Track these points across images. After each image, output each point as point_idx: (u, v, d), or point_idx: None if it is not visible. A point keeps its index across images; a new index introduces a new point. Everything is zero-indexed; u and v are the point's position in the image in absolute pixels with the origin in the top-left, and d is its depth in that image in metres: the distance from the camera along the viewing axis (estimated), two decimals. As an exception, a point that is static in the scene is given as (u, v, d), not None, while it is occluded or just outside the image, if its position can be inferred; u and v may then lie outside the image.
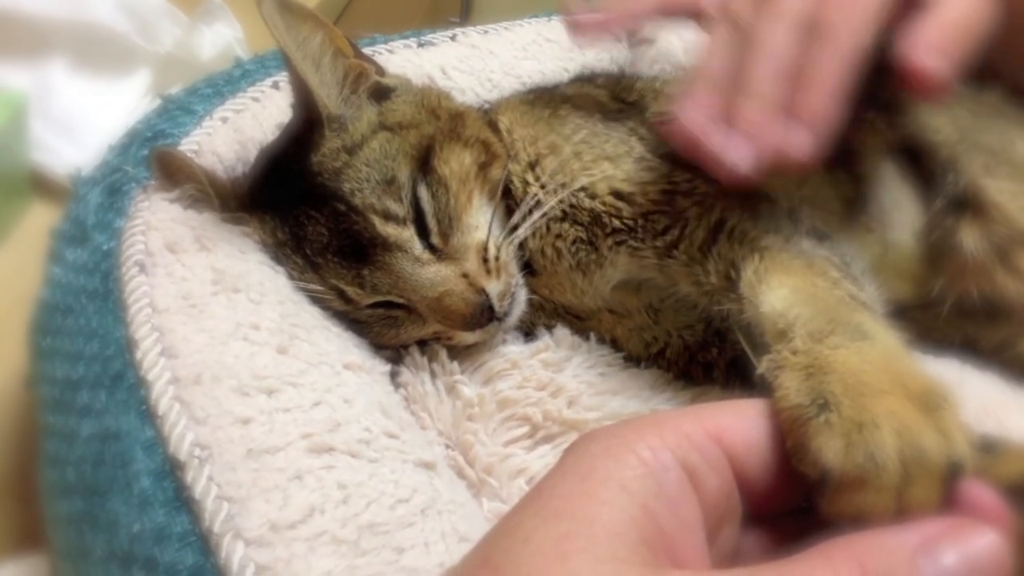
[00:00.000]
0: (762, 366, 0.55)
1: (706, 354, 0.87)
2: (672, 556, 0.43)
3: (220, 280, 0.73)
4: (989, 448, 0.65)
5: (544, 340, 0.84)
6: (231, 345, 0.69)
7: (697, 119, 0.71)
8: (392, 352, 0.84)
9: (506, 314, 0.82)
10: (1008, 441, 0.66)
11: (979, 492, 0.46)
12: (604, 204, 0.81)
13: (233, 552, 0.57)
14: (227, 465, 0.61)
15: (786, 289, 0.66)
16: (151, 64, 1.37)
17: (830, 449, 0.46)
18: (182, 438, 0.62)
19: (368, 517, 0.61)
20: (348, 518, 0.61)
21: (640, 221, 0.80)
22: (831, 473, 0.45)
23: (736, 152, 0.69)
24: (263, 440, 0.63)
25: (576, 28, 0.90)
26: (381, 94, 0.87)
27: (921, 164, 0.97)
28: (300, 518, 0.59)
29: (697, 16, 0.89)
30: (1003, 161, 0.93)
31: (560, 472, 0.45)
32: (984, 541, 0.42)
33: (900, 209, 0.97)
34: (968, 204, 0.92)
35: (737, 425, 0.47)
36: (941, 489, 0.45)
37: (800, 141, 0.69)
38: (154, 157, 0.81)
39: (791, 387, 0.50)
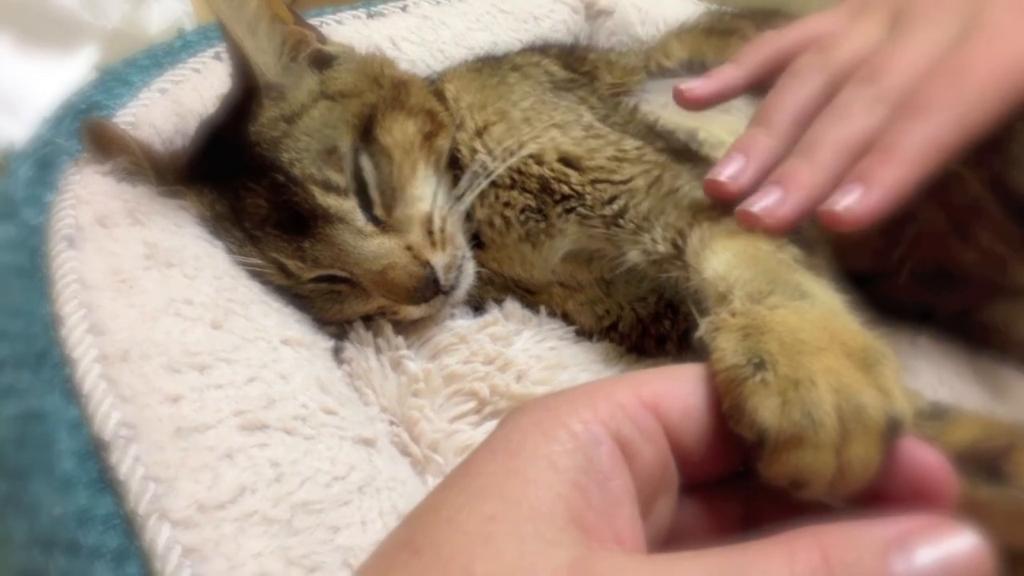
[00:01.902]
0: (700, 329, 0.54)
1: (659, 327, 0.85)
2: (603, 532, 0.41)
3: (153, 255, 0.71)
4: (940, 415, 0.64)
5: (493, 314, 0.82)
6: (162, 321, 0.66)
7: (742, 170, 0.68)
8: (337, 328, 0.82)
9: (453, 287, 0.80)
10: (959, 409, 0.66)
11: (923, 452, 0.44)
12: (552, 170, 0.79)
13: (158, 534, 0.55)
14: (154, 444, 0.59)
15: (729, 253, 0.64)
16: (98, 40, 1.34)
17: (766, 408, 0.44)
18: (107, 417, 0.60)
19: (302, 496, 0.59)
20: (281, 497, 0.59)
21: (588, 188, 0.78)
22: (768, 433, 0.44)
23: (771, 203, 0.66)
24: (193, 418, 0.60)
25: (690, 101, 0.79)
26: (323, 62, 0.84)
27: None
28: (230, 498, 0.57)
29: None
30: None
31: (489, 448, 0.43)
32: (963, 542, 0.39)
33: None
34: None
35: (673, 392, 0.45)
36: (881, 446, 0.44)
37: (852, 203, 0.64)
38: (85, 129, 0.78)
39: (727, 348, 0.48)
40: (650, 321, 0.85)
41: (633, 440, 0.43)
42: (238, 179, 0.78)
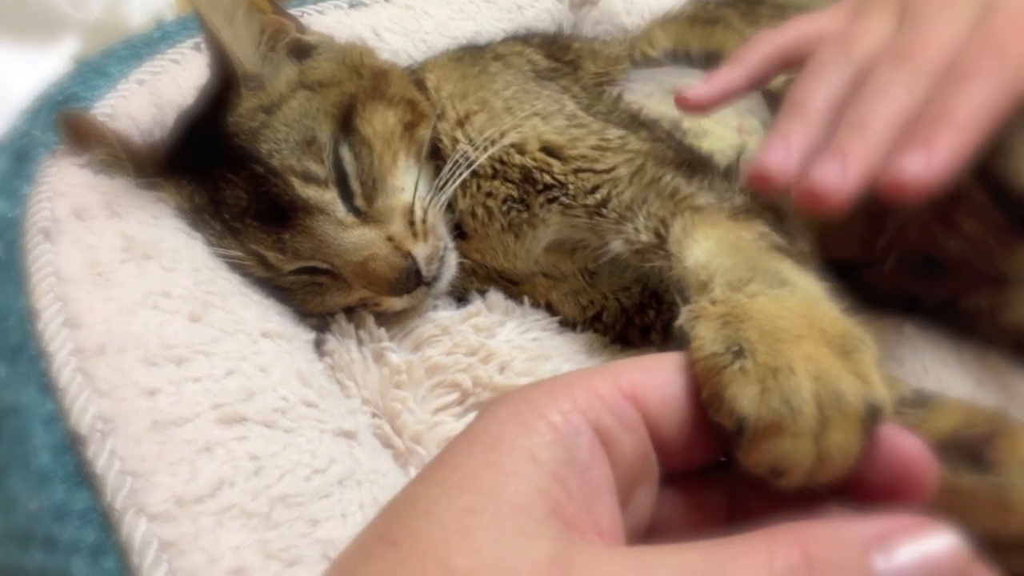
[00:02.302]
0: (681, 318, 0.54)
1: (643, 317, 0.85)
2: (582, 524, 0.40)
3: (130, 247, 0.70)
4: (923, 402, 0.64)
5: (476, 305, 0.82)
6: (139, 314, 0.65)
7: (787, 157, 0.62)
8: (318, 320, 0.81)
9: (435, 278, 0.79)
10: (942, 396, 0.65)
11: (903, 439, 0.44)
12: (534, 160, 0.78)
13: (135, 528, 0.54)
14: (131, 438, 0.58)
15: (711, 241, 0.64)
16: (79, 31, 1.33)
17: (745, 396, 0.44)
18: (84, 411, 0.59)
19: (281, 489, 0.59)
20: (260, 490, 0.58)
21: (571, 178, 0.77)
22: (747, 421, 0.43)
23: (832, 174, 0.60)
24: (170, 411, 0.60)
25: (692, 104, 0.76)
26: (302, 52, 0.83)
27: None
28: (208, 491, 0.57)
29: None
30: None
31: (467, 440, 0.42)
32: (943, 540, 0.39)
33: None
34: None
35: (653, 381, 0.45)
36: (861, 433, 0.43)
37: (919, 167, 0.60)
38: (62, 120, 0.77)
39: (707, 336, 0.48)
40: (634, 311, 0.85)
41: (612, 430, 0.42)
42: (217, 171, 0.77)
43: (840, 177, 0.60)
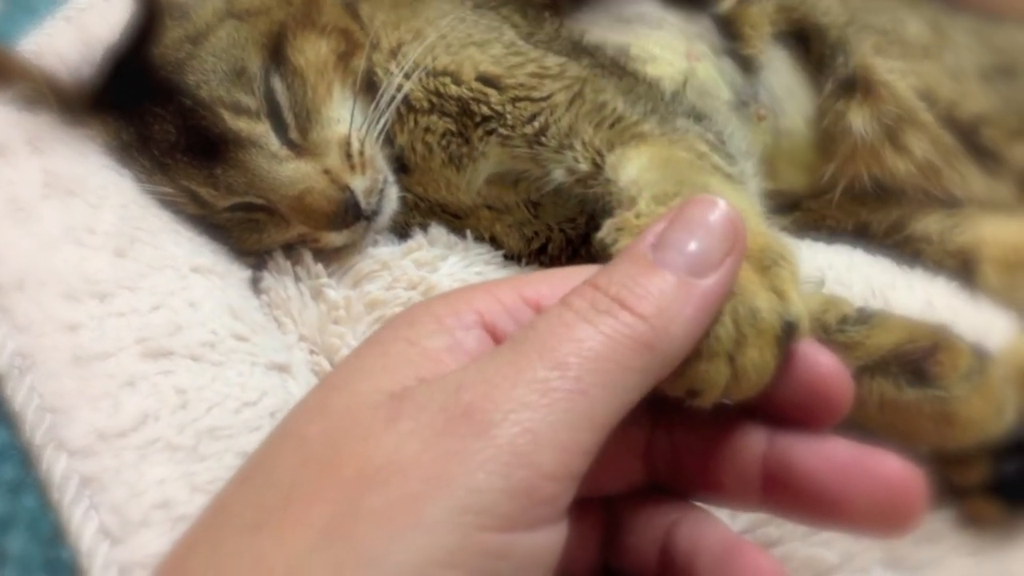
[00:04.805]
0: (603, 230, 0.52)
1: (589, 248, 0.83)
2: None
3: (52, 183, 0.68)
4: (865, 320, 0.64)
5: (417, 239, 0.79)
6: (61, 249, 0.63)
7: None
8: (255, 259, 0.79)
9: (375, 212, 0.77)
10: (885, 313, 0.65)
11: (818, 354, 0.44)
12: (471, 90, 0.76)
13: (55, 464, 0.53)
14: (50, 373, 0.56)
15: (644, 158, 0.63)
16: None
17: None
18: (2, 347, 0.57)
19: (208, 422, 0.58)
20: (186, 423, 0.57)
21: (508, 107, 0.75)
22: None
23: None
24: (92, 346, 0.58)
25: None
26: (228, -20, 0.80)
27: (811, 48, 0.95)
28: (131, 426, 0.55)
29: None
30: (894, 40, 0.91)
31: (363, 343, 0.43)
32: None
33: (791, 96, 0.95)
34: (858, 85, 0.90)
35: (560, 291, 0.44)
36: (776, 351, 0.43)
37: None
38: (-19, 57, 0.74)
39: None
40: (580, 243, 0.83)
41: (509, 333, 0.42)
42: (145, 105, 0.75)
43: None
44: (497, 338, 0.41)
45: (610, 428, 0.38)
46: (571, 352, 0.37)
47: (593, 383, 0.37)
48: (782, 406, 0.44)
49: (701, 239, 0.40)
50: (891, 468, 0.41)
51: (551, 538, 0.37)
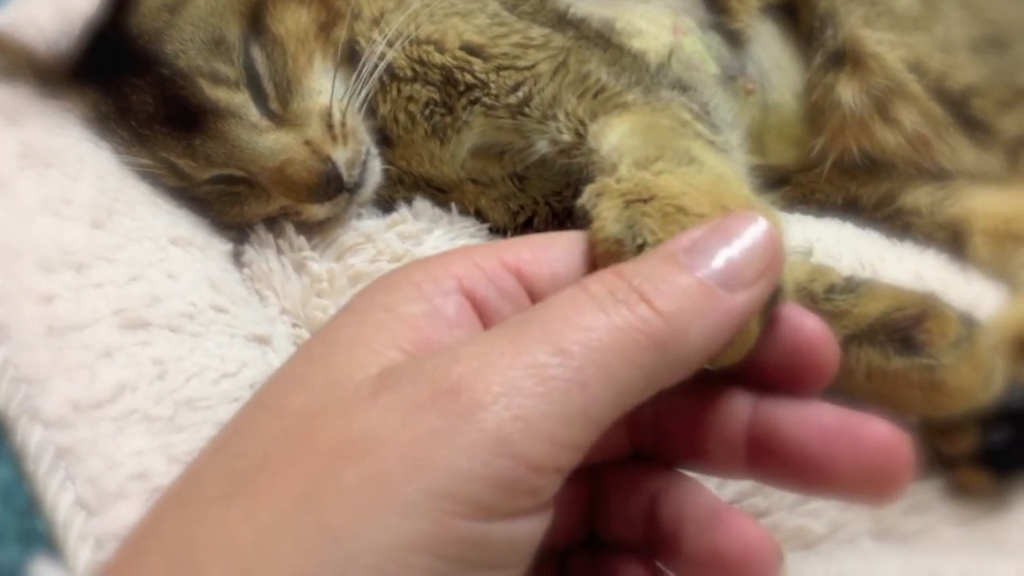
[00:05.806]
0: (583, 196, 0.51)
1: (576, 222, 0.82)
2: None
3: (29, 154, 0.67)
4: (853, 288, 0.63)
5: (401, 212, 0.78)
6: (36, 220, 0.62)
7: None
8: (237, 232, 0.78)
9: (357, 184, 0.76)
10: (873, 281, 0.64)
11: (803, 318, 0.43)
12: (455, 58, 0.75)
13: (30, 434, 0.52)
14: (25, 344, 0.55)
15: (625, 126, 0.62)
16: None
17: None
18: (-24, 318, 0.56)
19: (186, 393, 0.57)
20: (164, 394, 0.56)
21: (492, 76, 0.74)
22: None
23: None
24: (68, 317, 0.57)
25: None
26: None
27: (800, 21, 0.94)
28: (108, 397, 0.55)
29: None
30: (883, 12, 0.90)
31: (339, 312, 0.43)
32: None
33: (780, 69, 0.94)
34: (847, 57, 0.89)
35: (542, 256, 0.43)
36: (760, 316, 0.42)
37: None
38: (-43, 28, 0.73)
39: (609, 216, 0.46)
40: (566, 216, 0.82)
41: (489, 299, 0.41)
42: (122, 76, 0.73)
43: None
44: (476, 304, 0.41)
45: (604, 427, 0.36)
46: (577, 340, 0.35)
47: (595, 376, 0.35)
48: (767, 371, 0.43)
49: (737, 252, 0.39)
50: (878, 433, 0.40)
51: (531, 528, 0.36)
